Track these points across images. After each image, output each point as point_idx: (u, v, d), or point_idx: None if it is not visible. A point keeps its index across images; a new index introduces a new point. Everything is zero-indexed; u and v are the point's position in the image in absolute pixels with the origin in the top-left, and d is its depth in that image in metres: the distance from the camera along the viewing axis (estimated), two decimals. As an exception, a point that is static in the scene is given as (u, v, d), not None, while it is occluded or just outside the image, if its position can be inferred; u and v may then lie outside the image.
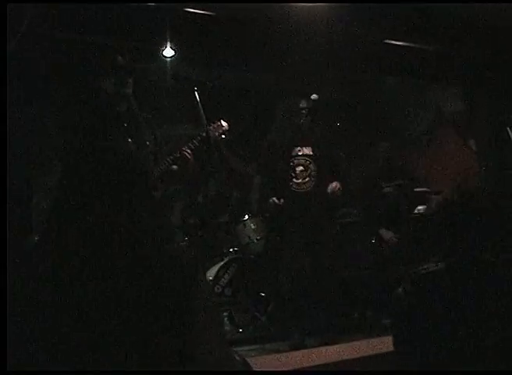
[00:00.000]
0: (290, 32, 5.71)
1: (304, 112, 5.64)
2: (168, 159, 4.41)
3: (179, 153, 4.40)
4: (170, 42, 5.80)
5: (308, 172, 5.60)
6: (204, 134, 4.47)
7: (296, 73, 6.64)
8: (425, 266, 2.58)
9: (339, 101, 7.08)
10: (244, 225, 6.33)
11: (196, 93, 4.53)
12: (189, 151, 4.43)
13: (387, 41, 6.25)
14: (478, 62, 6.53)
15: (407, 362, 2.53)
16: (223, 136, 4.62)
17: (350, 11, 5.60)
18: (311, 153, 5.65)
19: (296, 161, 5.62)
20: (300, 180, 5.59)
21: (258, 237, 6.24)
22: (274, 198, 5.66)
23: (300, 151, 5.66)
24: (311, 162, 5.62)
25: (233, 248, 6.35)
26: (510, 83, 6.55)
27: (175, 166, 4.39)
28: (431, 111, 7.65)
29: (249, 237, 6.26)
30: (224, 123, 4.59)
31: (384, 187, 6.35)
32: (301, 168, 5.61)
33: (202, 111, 4.47)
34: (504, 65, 6.42)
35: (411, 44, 6.37)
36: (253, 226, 6.31)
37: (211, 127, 4.53)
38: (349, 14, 5.64)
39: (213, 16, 5.49)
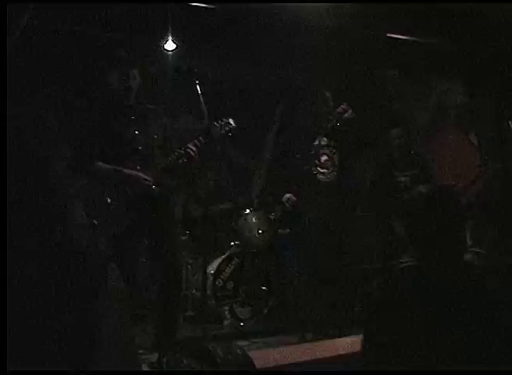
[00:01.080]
0: (293, 25, 5.71)
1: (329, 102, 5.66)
2: (174, 155, 4.42)
3: (184, 149, 4.41)
4: (172, 36, 5.80)
5: (332, 162, 5.65)
6: (210, 133, 4.49)
7: (300, 66, 6.63)
8: (404, 260, 2.56)
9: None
10: (246, 219, 6.32)
11: (197, 85, 4.53)
12: (194, 148, 4.44)
13: (390, 35, 6.25)
14: (480, 56, 6.52)
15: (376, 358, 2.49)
16: (229, 134, 4.63)
17: (352, 5, 5.60)
18: (335, 143, 5.68)
19: (321, 150, 5.65)
20: (324, 170, 5.64)
21: (260, 231, 6.24)
22: (288, 195, 5.80)
23: (323, 140, 5.68)
24: (335, 153, 5.67)
25: (234, 241, 6.35)
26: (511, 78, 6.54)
27: (180, 161, 4.41)
28: (432, 105, 7.62)
29: (250, 230, 6.25)
30: (231, 121, 4.60)
31: (399, 176, 6.19)
32: (326, 158, 5.65)
33: (203, 103, 4.47)
34: (506, 59, 6.41)
35: (413, 38, 6.36)
36: (254, 220, 6.30)
37: (217, 123, 4.54)
38: (351, 8, 5.63)
39: (214, 9, 5.48)
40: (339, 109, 5.50)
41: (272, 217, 6.39)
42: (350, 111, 5.52)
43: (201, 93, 4.50)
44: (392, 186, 6.15)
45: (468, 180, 6.28)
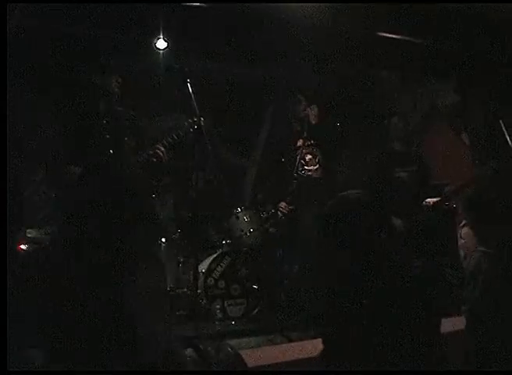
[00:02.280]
0: (286, 24, 5.71)
1: (303, 104, 6.04)
2: (142, 156, 4.46)
3: (153, 150, 4.45)
4: (163, 34, 5.79)
5: (317, 159, 6.02)
6: (179, 132, 4.53)
7: (292, 66, 6.64)
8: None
9: (332, 94, 7.03)
10: (237, 217, 6.33)
11: (188, 84, 4.54)
12: (162, 148, 4.48)
13: (380, 33, 6.25)
14: (471, 54, 6.52)
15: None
16: (199, 131, 4.68)
17: (343, 4, 5.60)
18: (316, 142, 6.09)
19: (304, 150, 6.01)
20: (311, 167, 6.01)
21: (251, 230, 6.24)
22: (283, 203, 6.06)
23: (305, 142, 6.04)
24: (317, 151, 6.05)
25: (226, 240, 6.35)
26: (504, 76, 6.55)
27: (149, 161, 4.44)
28: (424, 104, 7.63)
29: (241, 229, 6.26)
30: (201, 119, 4.66)
31: (397, 172, 6.21)
32: (310, 156, 6.03)
33: (195, 102, 4.48)
34: (498, 58, 6.42)
35: (405, 38, 6.37)
36: (246, 219, 6.31)
37: (186, 122, 4.58)
38: (341, 7, 5.63)
39: (206, 8, 5.47)
40: (304, 114, 6.01)
41: (263, 216, 6.40)
42: (314, 115, 6.01)
43: (193, 91, 4.51)
44: (390, 181, 6.19)
45: (461, 180, 6.29)
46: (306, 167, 6.00)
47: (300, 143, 6.06)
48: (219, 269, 6.00)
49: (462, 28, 6.19)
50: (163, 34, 5.82)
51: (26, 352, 1.79)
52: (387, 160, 6.31)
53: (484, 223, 2.92)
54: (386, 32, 6.27)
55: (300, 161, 5.99)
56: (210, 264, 5.96)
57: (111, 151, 4.47)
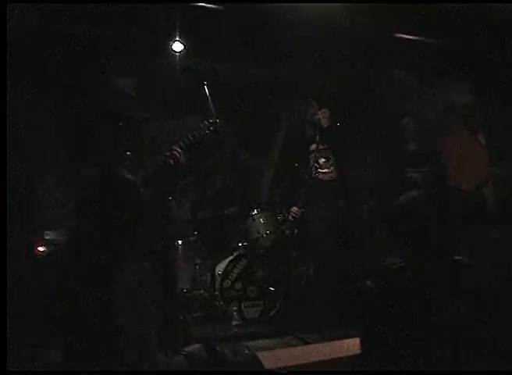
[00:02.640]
0: (299, 27, 5.71)
1: (316, 108, 6.06)
2: (160, 158, 4.48)
3: (170, 152, 4.47)
4: (179, 36, 5.81)
5: (330, 162, 6.07)
6: (194, 133, 4.55)
7: (305, 68, 6.64)
8: (393, 262, 2.56)
9: (346, 94, 7.02)
10: (254, 219, 6.33)
11: (205, 86, 4.55)
12: (178, 150, 4.50)
13: (397, 35, 6.23)
14: (488, 55, 6.49)
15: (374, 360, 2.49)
16: (215, 131, 4.71)
17: (359, 5, 5.59)
18: (329, 146, 6.11)
19: (317, 154, 6.02)
20: (325, 170, 6.04)
21: (268, 232, 6.25)
22: (294, 208, 5.99)
23: (318, 146, 6.02)
24: (331, 154, 6.09)
25: (242, 242, 6.36)
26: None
27: (166, 164, 4.47)
28: (440, 105, 7.59)
29: (258, 231, 6.27)
30: (217, 120, 4.69)
31: (411, 173, 6.16)
32: (323, 160, 6.07)
33: (211, 104, 4.50)
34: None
35: (422, 38, 6.35)
36: (262, 221, 6.32)
37: (202, 124, 4.60)
38: (358, 8, 5.62)
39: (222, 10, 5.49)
40: (316, 118, 6.01)
41: (279, 218, 6.40)
42: (325, 118, 5.97)
43: (209, 94, 4.53)
44: (403, 181, 6.12)
45: (478, 181, 6.26)
46: (320, 170, 6.03)
47: (313, 147, 6.06)
48: (236, 271, 6.01)
49: (477, 28, 6.16)
50: (179, 37, 5.84)
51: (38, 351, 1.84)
52: (399, 160, 6.28)
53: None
54: (399, 32, 6.26)
55: (314, 164, 6.00)
56: (227, 266, 5.97)
57: (128, 153, 4.49)
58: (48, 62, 5.26)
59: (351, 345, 4.82)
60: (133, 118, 4.60)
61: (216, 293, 5.73)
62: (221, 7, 5.44)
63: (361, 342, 2.51)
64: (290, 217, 6.01)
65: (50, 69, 5.32)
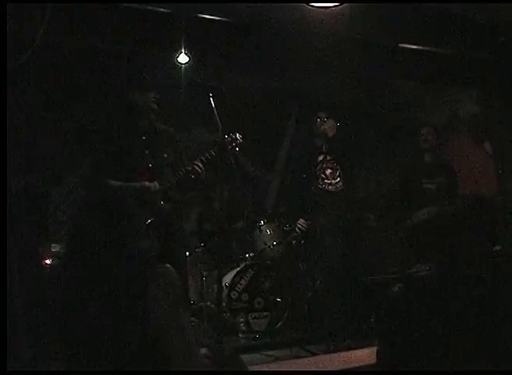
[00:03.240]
0: (304, 37, 5.71)
1: (323, 119, 6.04)
2: (181, 172, 4.53)
3: (192, 166, 4.51)
4: (185, 48, 5.82)
5: (337, 173, 6.03)
6: (215, 149, 4.60)
7: (310, 79, 6.65)
8: (417, 269, 2.56)
9: (352, 104, 7.03)
10: (260, 230, 6.33)
11: (211, 99, 4.56)
12: (200, 164, 4.54)
13: (402, 44, 6.24)
14: (494, 64, 6.49)
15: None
16: (237, 148, 4.74)
17: (364, 15, 5.59)
18: (335, 157, 6.09)
19: (324, 165, 6.03)
20: (331, 181, 6.00)
21: (274, 243, 6.24)
22: (301, 220, 5.97)
23: (326, 157, 6.07)
24: (337, 165, 6.06)
25: (249, 253, 6.35)
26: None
27: (187, 178, 4.51)
28: (447, 114, 7.59)
29: (265, 242, 6.26)
30: (239, 136, 4.73)
31: (424, 183, 6.12)
32: (330, 171, 6.03)
33: (217, 116, 4.51)
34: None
35: (426, 48, 6.35)
36: (268, 232, 6.31)
37: (227, 139, 4.63)
38: (362, 18, 5.62)
39: (227, 22, 5.50)
40: (322, 129, 6.00)
41: (286, 229, 6.40)
42: (331, 128, 5.96)
43: (215, 106, 4.54)
44: (418, 192, 6.12)
45: (485, 190, 6.26)
46: (326, 181, 6.00)
47: (320, 158, 6.07)
48: (243, 282, 5.99)
49: (484, 38, 6.16)
50: (184, 49, 5.85)
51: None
52: (415, 171, 6.25)
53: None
54: (407, 43, 6.26)
55: (320, 175, 6.00)
56: (233, 277, 5.95)
57: (150, 165, 4.56)
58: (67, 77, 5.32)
59: (361, 356, 4.81)
60: (158, 132, 4.67)
61: (223, 304, 5.71)
62: (227, 19, 5.46)
63: (377, 352, 2.50)
64: (297, 229, 6.00)
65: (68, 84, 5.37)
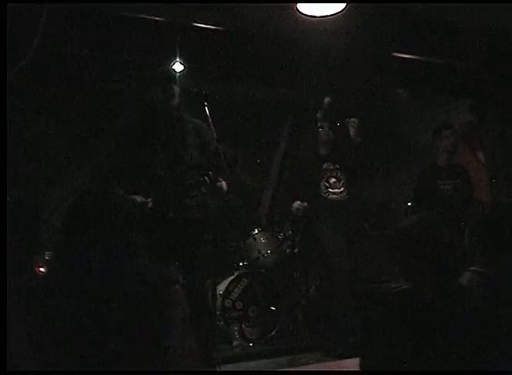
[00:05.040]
0: (301, 45, 5.74)
1: (324, 127, 6.00)
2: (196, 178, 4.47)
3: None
4: (179, 57, 5.82)
5: (341, 182, 5.89)
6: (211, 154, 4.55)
7: (308, 87, 6.66)
8: (393, 285, 2.56)
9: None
10: (254, 239, 6.34)
11: (206, 107, 4.55)
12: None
13: (395, 54, 6.26)
14: (486, 73, 6.52)
15: None
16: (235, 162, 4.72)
17: (357, 24, 5.62)
18: (340, 166, 5.96)
19: (328, 173, 5.91)
20: (335, 190, 5.85)
21: (268, 251, 6.25)
22: (298, 202, 5.88)
23: (330, 165, 5.96)
24: (341, 174, 5.92)
25: (243, 262, 6.35)
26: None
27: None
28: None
29: (259, 251, 6.27)
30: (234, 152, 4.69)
31: (442, 185, 6.03)
32: (334, 180, 5.89)
33: (212, 125, 4.50)
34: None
35: (419, 57, 6.38)
36: (263, 240, 6.33)
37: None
38: (357, 27, 5.65)
39: (222, 31, 5.51)
40: (329, 137, 5.98)
41: (280, 237, 6.41)
42: (354, 128, 5.87)
43: (210, 115, 4.53)
44: (436, 194, 6.00)
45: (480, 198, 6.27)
46: (330, 190, 5.87)
47: (325, 166, 5.96)
48: (237, 290, 6.00)
49: (477, 45, 6.20)
50: (179, 57, 5.86)
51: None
52: (432, 173, 6.13)
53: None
54: (400, 52, 6.28)
55: (324, 183, 5.87)
56: (227, 286, 5.96)
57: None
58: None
59: (351, 365, 4.80)
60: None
61: (217, 313, 5.71)
62: (223, 28, 5.47)
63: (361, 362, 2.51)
64: (297, 213, 5.94)
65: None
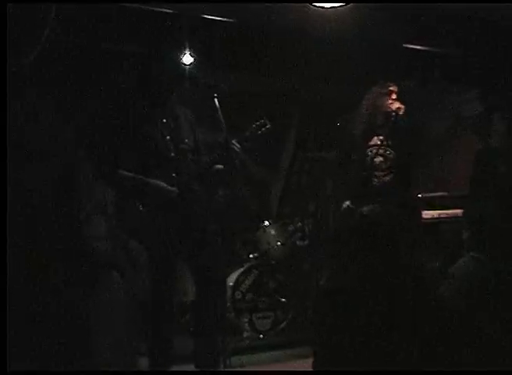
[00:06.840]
0: (309, 37, 5.72)
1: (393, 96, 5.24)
2: (209, 158, 4.44)
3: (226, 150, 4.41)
4: (189, 49, 5.82)
5: (388, 164, 5.11)
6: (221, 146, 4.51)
7: (317, 77, 6.63)
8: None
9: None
10: (264, 231, 6.34)
11: (215, 99, 4.54)
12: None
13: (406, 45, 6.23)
14: (498, 65, 6.48)
15: None
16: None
17: (367, 14, 5.59)
18: (391, 142, 5.11)
19: (374, 150, 5.08)
20: (380, 173, 5.09)
21: (279, 243, 6.25)
22: (348, 202, 5.15)
23: (378, 140, 5.13)
24: (391, 153, 5.12)
25: (253, 254, 6.35)
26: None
27: (219, 166, 4.44)
28: (449, 115, 7.58)
29: (269, 242, 6.27)
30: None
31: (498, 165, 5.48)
32: (381, 159, 5.11)
33: (221, 117, 4.48)
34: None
35: (429, 48, 6.35)
36: (273, 232, 6.32)
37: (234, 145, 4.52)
38: (366, 17, 5.62)
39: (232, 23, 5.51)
40: (391, 107, 5.13)
41: (290, 229, 6.40)
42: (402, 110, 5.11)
43: (219, 106, 4.51)
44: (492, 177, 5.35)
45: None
46: (375, 173, 5.07)
47: (375, 141, 5.15)
48: (247, 282, 6.01)
49: (488, 37, 6.16)
50: (189, 49, 5.85)
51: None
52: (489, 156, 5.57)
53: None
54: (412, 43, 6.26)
55: (370, 162, 5.05)
56: (238, 278, 5.97)
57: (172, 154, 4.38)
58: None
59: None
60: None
61: (227, 305, 5.72)
62: (232, 19, 5.46)
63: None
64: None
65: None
